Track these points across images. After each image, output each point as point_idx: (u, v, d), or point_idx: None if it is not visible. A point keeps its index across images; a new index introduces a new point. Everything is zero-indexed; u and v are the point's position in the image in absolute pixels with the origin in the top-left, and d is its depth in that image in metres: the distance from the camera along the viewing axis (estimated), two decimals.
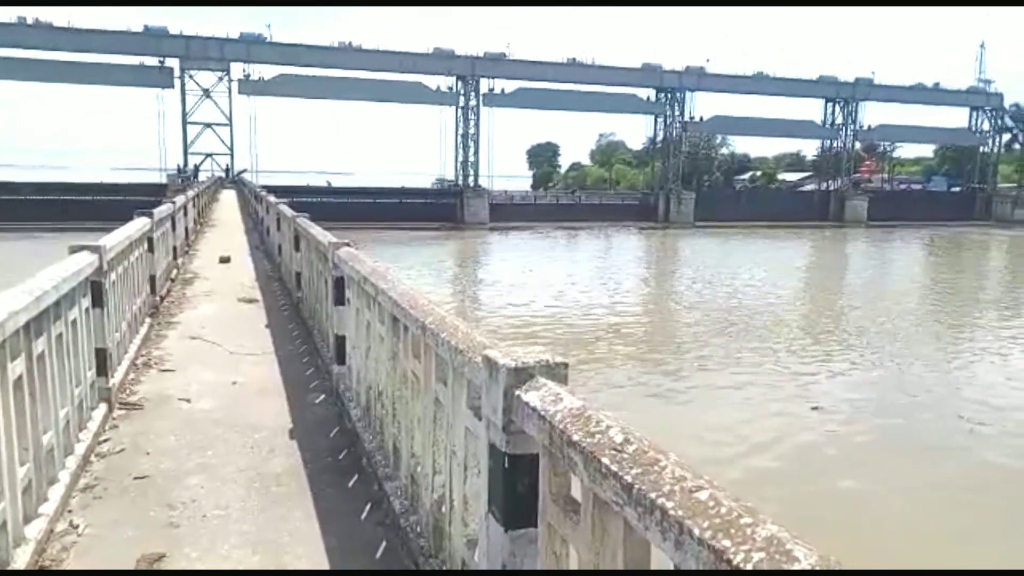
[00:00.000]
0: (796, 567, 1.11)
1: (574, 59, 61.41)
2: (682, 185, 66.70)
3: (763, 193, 79.65)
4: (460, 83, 59.99)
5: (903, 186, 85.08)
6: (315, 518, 3.75)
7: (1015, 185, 76.43)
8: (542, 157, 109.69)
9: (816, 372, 15.72)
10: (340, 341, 5.50)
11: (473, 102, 60.27)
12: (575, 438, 1.69)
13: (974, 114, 74.02)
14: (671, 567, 1.33)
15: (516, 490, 2.11)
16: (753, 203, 68.28)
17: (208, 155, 58.29)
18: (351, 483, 4.20)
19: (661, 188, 65.71)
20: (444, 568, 2.98)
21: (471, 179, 60.97)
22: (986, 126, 74.59)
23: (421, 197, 61.45)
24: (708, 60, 65.97)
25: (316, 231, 7.00)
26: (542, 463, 2.00)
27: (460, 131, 60.89)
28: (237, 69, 56.56)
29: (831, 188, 70.21)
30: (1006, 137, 77.96)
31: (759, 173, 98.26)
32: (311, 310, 7.91)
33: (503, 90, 60.51)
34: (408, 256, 37.27)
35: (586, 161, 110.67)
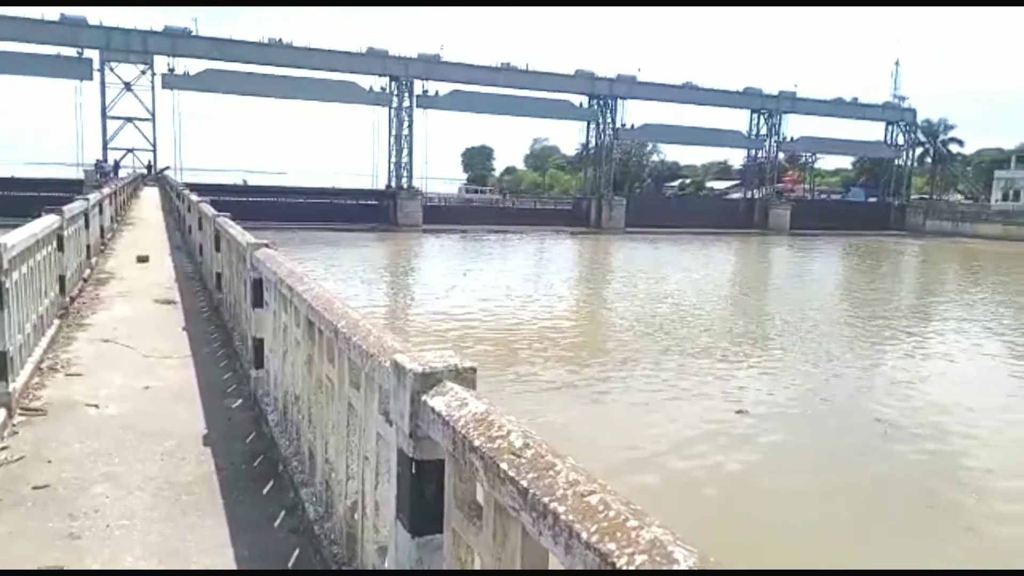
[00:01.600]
0: (675, 568, 1.13)
1: (508, 64, 61.67)
2: (614, 191, 67.72)
3: (692, 200, 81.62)
4: (394, 84, 59.50)
5: (823, 196, 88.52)
6: (226, 526, 3.64)
7: (926, 197, 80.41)
8: (477, 160, 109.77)
9: (742, 375, 16.14)
10: (258, 344, 5.37)
11: (407, 103, 59.87)
12: (476, 443, 1.69)
13: (890, 128, 77.52)
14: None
15: (423, 496, 2.10)
16: (682, 210, 69.90)
17: (129, 150, 56.19)
18: (266, 490, 4.11)
19: (593, 193, 66.58)
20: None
21: (405, 180, 60.48)
22: (900, 140, 78.21)
23: (354, 198, 60.68)
24: (639, 69, 67.30)
25: (236, 231, 6.82)
26: (448, 469, 1.99)
27: (394, 132, 60.38)
28: (161, 63, 54.76)
29: (756, 197, 72.41)
30: (919, 151, 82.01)
31: (688, 181, 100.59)
32: (231, 312, 7.71)
33: (437, 92, 60.32)
34: (340, 257, 36.73)
35: (520, 165, 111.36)
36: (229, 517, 3.75)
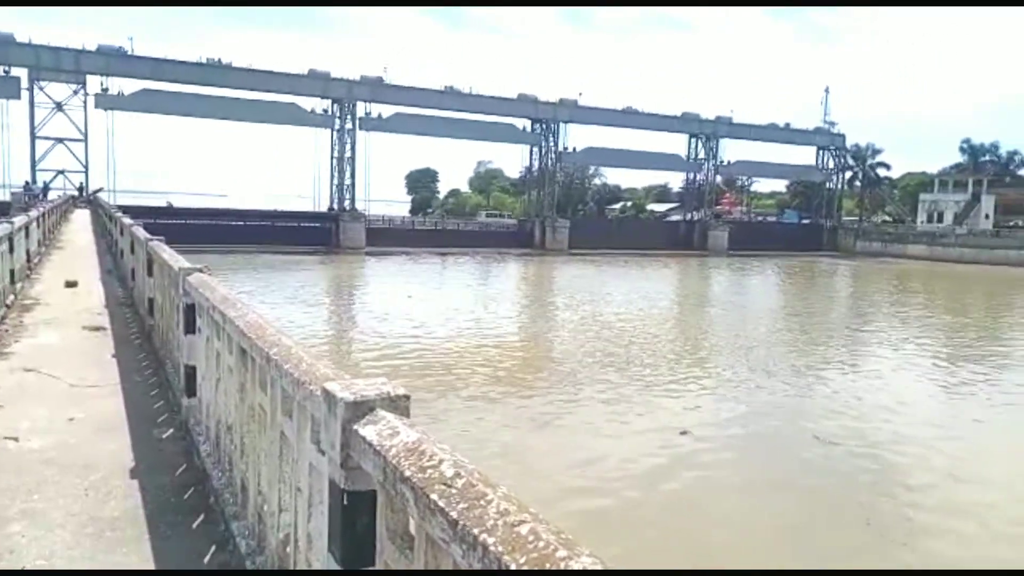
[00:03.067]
0: None
1: (451, 87, 61.96)
2: (557, 213, 68.38)
3: (633, 223, 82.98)
4: (336, 106, 59.11)
5: (759, 218, 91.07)
6: (152, 563, 3.49)
7: (856, 219, 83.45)
8: (421, 183, 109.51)
9: (685, 396, 16.30)
10: (190, 372, 5.21)
11: (349, 126, 59.48)
12: (407, 474, 1.65)
13: (821, 153, 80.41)
14: None
15: (355, 528, 2.04)
16: (624, 232, 71.02)
17: (60, 172, 54.32)
18: (196, 524, 3.95)
19: (537, 216, 67.07)
20: None
21: (347, 203, 59.93)
22: (831, 164, 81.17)
23: (296, 220, 59.85)
24: (580, 93, 68.16)
25: (168, 255, 6.63)
26: (380, 500, 1.94)
27: (336, 154, 59.87)
28: (94, 82, 53.25)
29: (695, 219, 74.03)
30: (848, 174, 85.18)
31: (630, 203, 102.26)
32: (163, 339, 7.46)
33: (380, 115, 60.10)
34: (281, 281, 36.05)
35: (465, 188, 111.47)
36: (156, 553, 3.59)
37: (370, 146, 60.82)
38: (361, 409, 2.01)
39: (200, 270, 5.15)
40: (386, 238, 58.76)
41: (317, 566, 2.55)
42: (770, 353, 21.74)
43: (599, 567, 1.19)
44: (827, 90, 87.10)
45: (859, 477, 11.58)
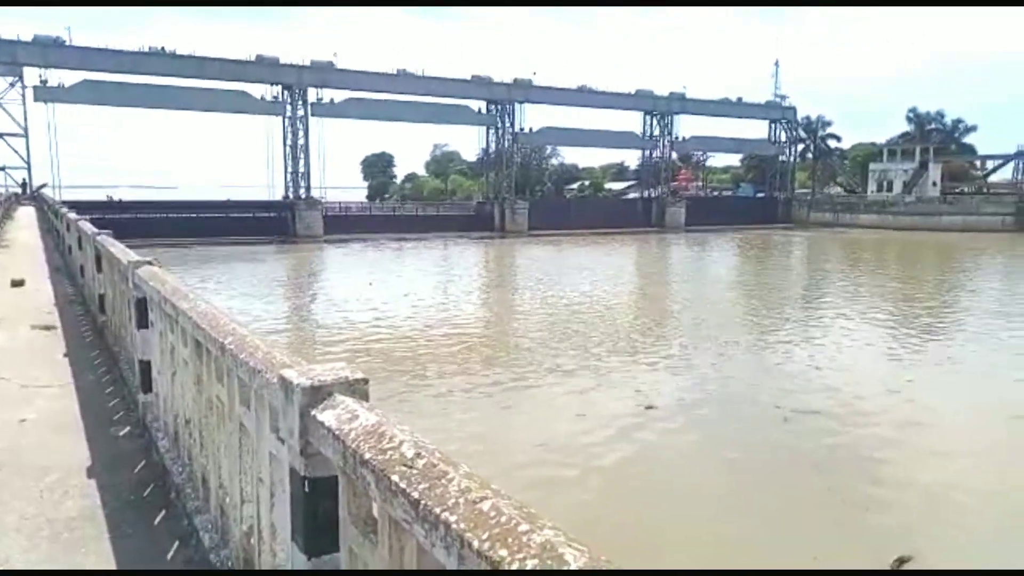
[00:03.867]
0: (565, 569, 1.12)
1: (404, 70, 61.20)
2: (516, 195, 68.30)
3: (592, 202, 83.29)
4: (286, 92, 57.97)
5: (715, 193, 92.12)
6: (112, 563, 3.42)
7: (809, 191, 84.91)
8: (377, 168, 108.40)
9: (649, 371, 16.49)
10: (145, 367, 5.09)
11: (301, 112, 58.44)
12: (367, 457, 1.64)
13: (773, 126, 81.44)
14: None
15: (317, 515, 2.02)
16: (583, 211, 71.27)
17: (0, 169, 52.51)
18: (157, 520, 3.89)
19: (496, 198, 66.91)
20: None
21: (303, 191, 59.03)
22: (783, 137, 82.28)
23: (250, 210, 58.79)
24: (535, 73, 67.88)
25: (117, 249, 6.45)
26: (341, 485, 1.92)
27: (289, 142, 58.82)
28: (32, 75, 51.39)
29: (652, 196, 74.57)
30: (800, 147, 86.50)
31: (588, 183, 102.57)
32: (116, 335, 7.28)
33: (332, 100, 59.14)
34: (239, 272, 35.46)
35: (422, 172, 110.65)
36: (117, 553, 3.52)
37: (323, 132, 59.90)
38: (319, 394, 1.98)
39: (149, 262, 5.03)
40: (344, 225, 58.09)
41: (281, 556, 2.52)
42: (731, 325, 22.08)
43: (560, 539, 1.19)
44: (777, 64, 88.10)
45: (820, 445, 11.84)
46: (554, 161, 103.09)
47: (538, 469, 10.60)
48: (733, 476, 10.62)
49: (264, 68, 56.74)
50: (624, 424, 12.59)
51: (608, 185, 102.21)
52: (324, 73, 58.39)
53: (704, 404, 14.11)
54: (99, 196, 61.64)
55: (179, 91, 54.57)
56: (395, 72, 60.93)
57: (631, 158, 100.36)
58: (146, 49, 53.56)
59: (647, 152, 76.85)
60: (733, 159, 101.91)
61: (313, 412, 1.95)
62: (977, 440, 12.12)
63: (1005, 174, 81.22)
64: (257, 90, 57.44)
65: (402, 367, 16.43)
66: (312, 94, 58.52)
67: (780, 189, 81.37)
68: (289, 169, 59.07)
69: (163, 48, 54.07)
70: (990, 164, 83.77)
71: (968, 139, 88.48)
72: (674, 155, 79.91)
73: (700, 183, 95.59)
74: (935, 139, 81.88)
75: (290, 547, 2.20)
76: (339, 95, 59.35)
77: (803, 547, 8.30)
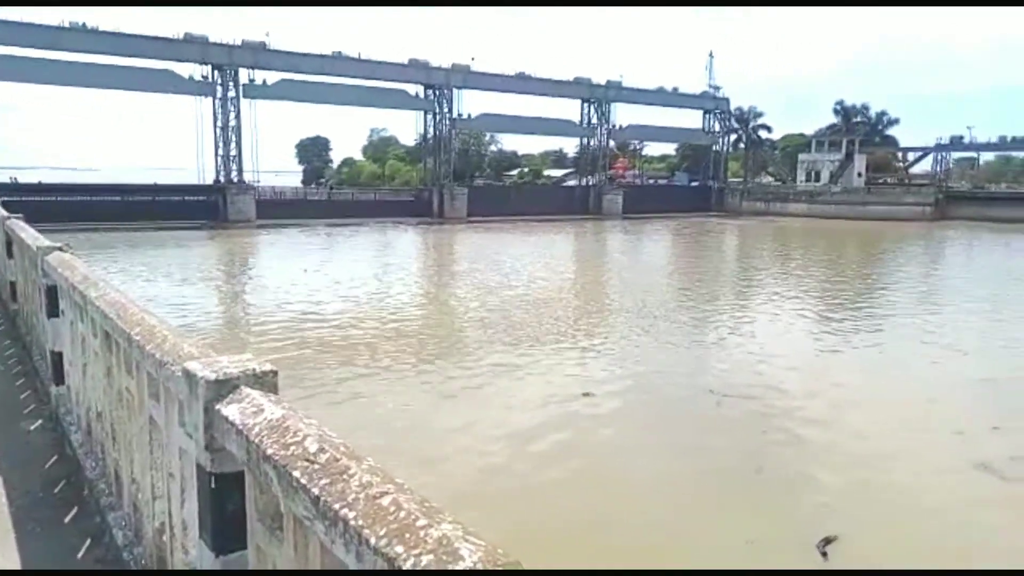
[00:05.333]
0: (460, 566, 1.10)
1: (339, 52, 60.00)
2: (455, 181, 67.94)
3: (531, 189, 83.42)
4: (217, 73, 56.15)
5: (651, 181, 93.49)
6: (18, 564, 3.27)
7: (742, 180, 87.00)
8: (312, 152, 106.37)
9: (586, 358, 16.63)
10: (57, 358, 4.87)
11: (232, 93, 56.70)
12: (269, 452, 1.59)
13: (707, 116, 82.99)
14: None
15: (225, 512, 1.96)
16: (522, 198, 71.36)
17: None
18: (68, 518, 3.73)
19: (435, 184, 66.43)
20: None
21: (235, 175, 57.42)
22: (717, 127, 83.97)
23: (179, 194, 56.91)
24: (473, 58, 67.58)
25: (27, 234, 6.15)
26: (247, 481, 1.87)
27: (220, 124, 57.04)
28: None
29: (590, 184, 75.22)
30: (733, 137, 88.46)
31: (527, 169, 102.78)
32: (28, 324, 6.96)
33: (264, 81, 57.59)
34: (167, 259, 34.30)
35: (359, 156, 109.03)
36: (23, 553, 3.37)
37: (256, 114, 58.26)
38: (224, 388, 1.92)
39: (60, 248, 4.80)
40: (278, 210, 56.79)
41: (193, 554, 2.45)
42: (667, 312, 22.48)
43: (458, 533, 1.18)
44: (711, 55, 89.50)
45: (750, 427, 12.15)
46: (493, 148, 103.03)
47: (468, 456, 10.62)
48: (666, 461, 10.82)
49: (192, 47, 54.74)
50: (560, 411, 12.68)
51: (547, 172, 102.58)
52: (256, 53, 56.74)
53: (639, 390, 14.32)
54: (24, 178, 58.64)
55: (101, 69, 52.23)
56: (331, 54, 59.67)
57: (570, 145, 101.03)
58: (66, 25, 51.07)
59: (585, 140, 77.40)
60: (669, 148, 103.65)
61: (218, 406, 1.88)
62: (899, 420, 12.65)
63: (925, 166, 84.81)
64: (186, 70, 55.49)
65: (336, 357, 16.20)
66: (244, 75, 56.87)
67: (714, 178, 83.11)
68: (220, 152, 57.32)
69: (83, 24, 51.65)
70: (911, 156, 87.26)
71: (891, 131, 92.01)
72: (611, 143, 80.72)
73: (637, 171, 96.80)
74: (860, 131, 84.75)
75: (199, 545, 2.14)
76: (272, 76, 57.89)
77: (736, 530, 8.50)
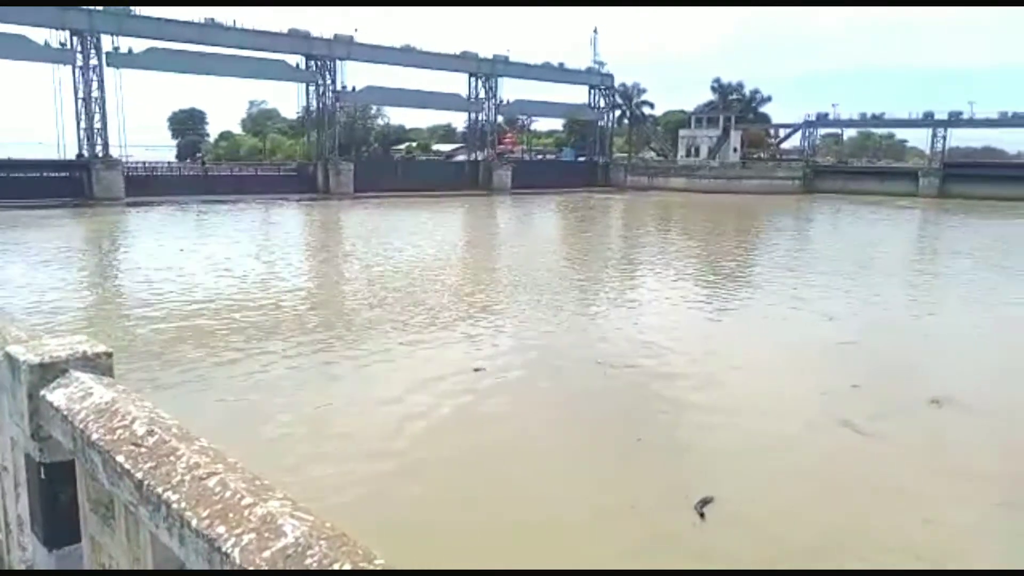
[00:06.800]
0: (282, 542, 1.07)
1: (212, 19, 56.95)
2: (341, 155, 66.25)
3: (419, 164, 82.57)
4: (76, 39, 52.10)
5: (540, 156, 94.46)
6: None
7: (626, 155, 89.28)
8: (187, 125, 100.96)
9: (478, 333, 16.62)
10: None
11: (95, 62, 52.83)
12: (94, 438, 1.50)
13: (592, 92, 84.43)
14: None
15: (57, 503, 1.84)
16: (410, 173, 70.51)
17: None
18: None
19: (319, 159, 64.56)
20: None
21: (100, 149, 53.73)
22: (602, 103, 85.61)
23: (37, 170, 52.75)
24: (356, 29, 65.78)
25: None
26: (79, 470, 1.76)
27: (81, 95, 53.08)
28: None
29: (479, 159, 75.18)
30: (617, 113, 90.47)
31: (415, 144, 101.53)
32: None
33: (131, 50, 53.96)
34: (26, 240, 31.76)
35: (237, 130, 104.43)
36: None
37: (123, 85, 54.54)
38: (50, 372, 1.79)
39: None
40: (150, 187, 53.71)
41: (30, 550, 2.29)
42: (554, 285, 22.86)
43: (285, 509, 1.15)
44: (595, 31, 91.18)
45: (633, 395, 12.59)
46: (380, 122, 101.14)
47: (354, 438, 10.50)
48: (554, 433, 11.05)
49: (49, 13, 50.35)
50: (450, 387, 12.69)
51: (435, 147, 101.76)
52: (120, 19, 52.99)
53: (528, 364, 14.49)
54: None
55: None
56: (203, 22, 56.56)
57: (458, 120, 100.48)
58: None
59: (473, 114, 77.14)
60: (556, 123, 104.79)
61: (43, 391, 1.76)
62: (770, 384, 13.43)
63: (795, 142, 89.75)
64: (42, 35, 51.21)
65: (215, 341, 15.57)
66: (108, 42, 53.08)
67: (600, 153, 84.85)
68: (83, 125, 53.47)
69: None
70: (782, 132, 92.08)
71: (764, 109, 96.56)
72: (499, 118, 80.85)
73: (525, 146, 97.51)
74: (736, 108, 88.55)
75: (33, 539, 2.00)
76: (140, 45, 54.32)
77: (620, 497, 8.79)
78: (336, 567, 0.98)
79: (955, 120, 75.25)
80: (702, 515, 8.34)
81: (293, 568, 1.01)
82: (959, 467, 9.83)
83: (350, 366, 14.05)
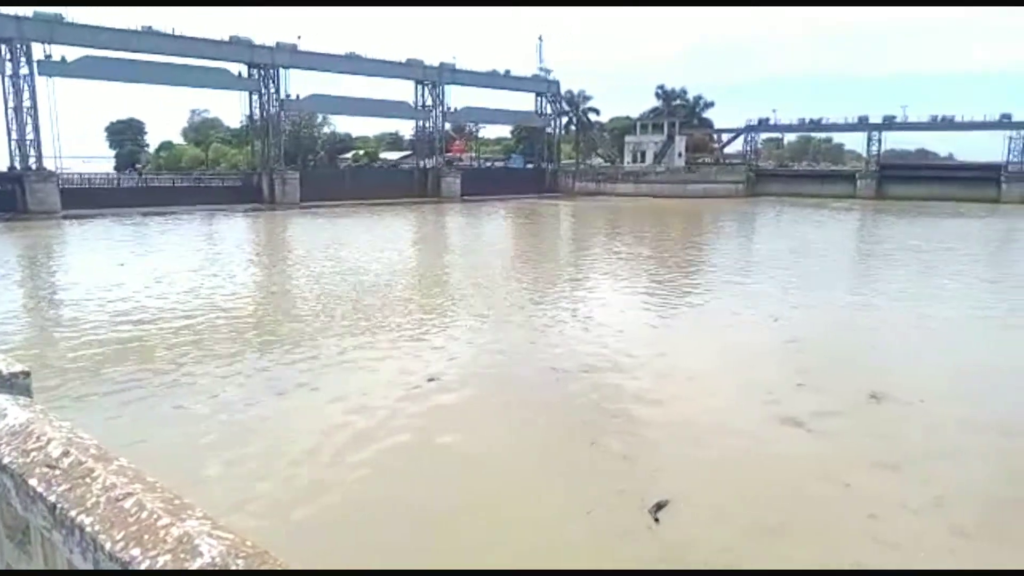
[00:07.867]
0: (197, 563, 1.04)
1: (150, 27, 55.59)
2: (286, 165, 65.32)
3: (367, 172, 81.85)
4: (5, 47, 50.27)
5: (488, 164, 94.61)
6: None
7: (574, 161, 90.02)
8: (125, 136, 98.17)
9: (431, 344, 16.41)
10: None
11: (25, 71, 51.04)
12: (6, 461, 1.44)
13: (539, 99, 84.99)
14: None
15: None
16: (358, 181, 69.84)
17: None
18: None
19: (264, 168, 63.52)
20: None
21: (33, 161, 51.91)
22: (549, 110, 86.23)
23: None
24: (300, 37, 64.92)
25: None
26: None
27: (11, 104, 51.22)
28: None
29: (428, 166, 74.94)
30: (564, 119, 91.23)
31: (362, 152, 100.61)
32: None
33: (64, 58, 52.29)
34: None
35: (178, 140, 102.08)
36: None
37: (55, 94, 52.76)
38: None
39: None
40: (87, 199, 52.10)
41: None
42: (505, 292, 22.88)
43: (204, 528, 1.12)
44: (540, 38, 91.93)
45: (586, 402, 12.59)
46: (326, 130, 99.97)
47: (316, 451, 10.33)
48: (509, 439, 11.00)
49: None
50: (404, 396, 12.57)
51: (383, 155, 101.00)
52: (51, 27, 51.31)
53: (483, 371, 14.43)
54: None
55: None
56: (140, 29, 55.17)
57: (406, 128, 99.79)
58: None
59: (420, 122, 76.88)
60: (504, 131, 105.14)
61: None
62: (718, 384, 13.65)
63: (737, 146, 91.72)
64: None
65: (158, 359, 15.15)
66: (39, 51, 51.35)
67: (548, 160, 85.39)
68: (14, 136, 51.61)
69: None
70: (725, 137, 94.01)
71: (707, 114, 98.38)
72: (447, 125, 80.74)
73: (474, 154, 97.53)
74: (680, 114, 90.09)
75: None
76: (74, 53, 52.68)
77: (576, 503, 8.78)
78: None
79: (888, 124, 77.93)
80: (656, 520, 8.37)
81: None
82: (895, 457, 10.15)
83: (298, 380, 13.79)
